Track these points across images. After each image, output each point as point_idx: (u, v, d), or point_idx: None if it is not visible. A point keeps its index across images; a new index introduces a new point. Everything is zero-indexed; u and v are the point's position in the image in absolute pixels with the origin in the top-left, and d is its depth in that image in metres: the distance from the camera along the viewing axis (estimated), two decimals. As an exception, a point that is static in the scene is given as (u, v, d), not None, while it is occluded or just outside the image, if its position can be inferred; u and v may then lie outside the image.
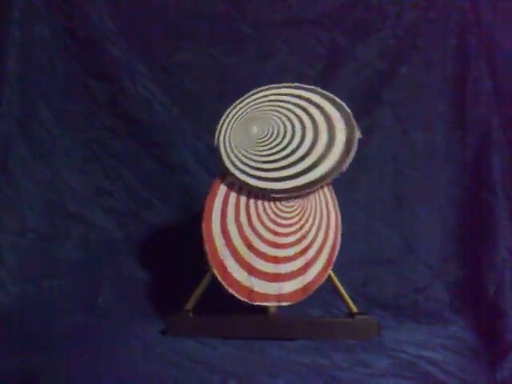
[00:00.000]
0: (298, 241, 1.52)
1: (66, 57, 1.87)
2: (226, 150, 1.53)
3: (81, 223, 1.83)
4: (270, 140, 1.53)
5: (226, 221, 1.53)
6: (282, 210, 1.53)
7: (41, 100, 1.85)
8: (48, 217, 1.82)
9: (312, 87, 1.56)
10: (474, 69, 1.86)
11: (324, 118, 1.53)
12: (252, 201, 1.54)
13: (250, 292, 1.50)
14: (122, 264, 1.81)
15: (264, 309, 1.52)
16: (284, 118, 1.54)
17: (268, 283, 1.51)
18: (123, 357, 1.32)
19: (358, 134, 1.52)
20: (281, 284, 1.51)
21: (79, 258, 1.80)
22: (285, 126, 1.53)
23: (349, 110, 1.53)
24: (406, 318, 1.67)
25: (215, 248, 1.52)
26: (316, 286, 1.51)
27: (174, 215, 1.86)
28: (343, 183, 1.64)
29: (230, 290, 1.50)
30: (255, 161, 1.52)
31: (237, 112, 1.55)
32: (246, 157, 1.52)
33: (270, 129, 1.53)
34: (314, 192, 1.53)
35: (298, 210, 1.53)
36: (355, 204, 1.87)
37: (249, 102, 1.56)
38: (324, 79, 1.90)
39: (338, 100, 1.55)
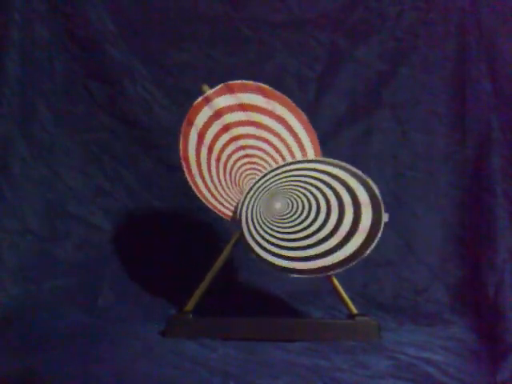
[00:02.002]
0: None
1: (65, 58, 1.87)
2: (248, 227, 1.50)
3: (80, 224, 1.83)
4: (293, 217, 1.49)
5: None
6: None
7: (41, 101, 1.84)
8: (48, 217, 1.81)
9: (339, 163, 1.49)
10: (473, 70, 1.86)
11: (351, 199, 1.48)
12: None
13: None
14: (121, 265, 1.81)
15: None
16: (308, 195, 1.50)
17: None
18: (123, 358, 1.32)
19: (385, 217, 1.47)
20: None
21: (79, 259, 1.80)
22: (309, 203, 1.49)
23: (377, 192, 1.47)
24: (405, 320, 1.67)
25: None
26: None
27: (174, 216, 1.85)
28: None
29: None
30: (278, 238, 1.49)
31: (260, 186, 1.51)
32: (268, 233, 1.49)
33: (294, 205, 1.49)
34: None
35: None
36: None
37: (273, 176, 1.51)
38: (324, 80, 1.91)
39: (367, 179, 1.48)
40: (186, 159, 1.52)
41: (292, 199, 1.50)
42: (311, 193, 1.50)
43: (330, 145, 1.82)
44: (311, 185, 1.50)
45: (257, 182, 1.51)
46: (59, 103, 1.86)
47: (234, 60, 1.90)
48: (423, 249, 1.84)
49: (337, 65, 1.91)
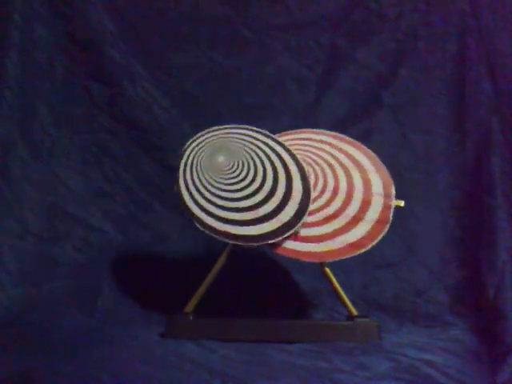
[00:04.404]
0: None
1: (65, 59, 1.87)
2: (188, 190, 1.53)
3: (80, 225, 1.83)
4: (233, 174, 1.53)
5: None
6: None
7: (41, 102, 1.84)
8: (48, 219, 1.81)
9: (275, 137, 1.57)
10: (473, 72, 1.86)
11: (284, 171, 1.54)
12: None
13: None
14: (121, 266, 1.81)
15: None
16: (248, 157, 1.54)
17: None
18: (123, 359, 1.32)
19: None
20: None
21: (79, 261, 1.80)
22: (249, 165, 1.54)
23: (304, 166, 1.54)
24: (406, 321, 1.68)
25: None
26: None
27: (174, 217, 1.85)
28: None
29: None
30: (215, 194, 1.52)
31: (202, 141, 1.57)
32: (206, 189, 1.52)
33: (236, 163, 1.54)
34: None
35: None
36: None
37: (217, 134, 1.57)
38: (324, 82, 1.91)
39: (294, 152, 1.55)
40: None
41: (235, 156, 1.54)
42: (251, 156, 1.54)
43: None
44: (251, 149, 1.55)
45: (196, 138, 1.56)
46: (59, 104, 1.86)
47: (234, 61, 1.90)
48: (423, 250, 1.84)
49: (337, 66, 1.91)
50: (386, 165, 1.89)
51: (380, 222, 1.52)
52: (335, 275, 1.53)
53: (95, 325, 1.58)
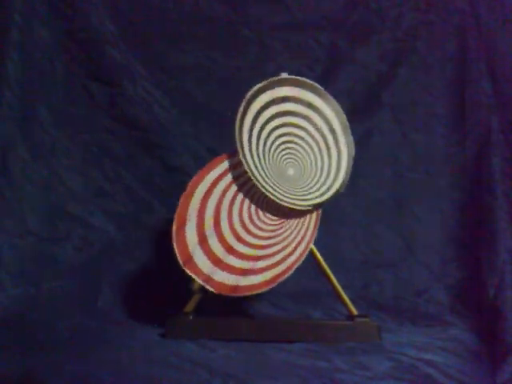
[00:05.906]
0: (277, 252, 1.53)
1: (66, 59, 1.87)
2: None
3: (81, 225, 1.83)
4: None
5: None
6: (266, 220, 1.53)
7: (41, 102, 1.84)
8: (48, 218, 1.81)
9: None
10: (473, 71, 1.87)
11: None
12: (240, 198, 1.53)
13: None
14: (121, 266, 1.81)
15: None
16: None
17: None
18: (123, 359, 1.32)
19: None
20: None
21: (79, 260, 1.80)
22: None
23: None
24: (406, 321, 1.68)
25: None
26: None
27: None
28: (343, 186, 1.64)
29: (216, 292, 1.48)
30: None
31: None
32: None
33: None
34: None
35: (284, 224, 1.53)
36: (355, 206, 1.87)
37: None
38: (324, 82, 1.90)
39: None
40: None
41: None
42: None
43: (329, 146, 1.82)
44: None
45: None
46: (59, 104, 1.86)
47: (234, 61, 1.91)
48: (423, 250, 1.84)
49: (337, 66, 1.91)
50: (385, 164, 1.90)
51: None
52: (335, 274, 1.53)
53: (95, 325, 1.58)
